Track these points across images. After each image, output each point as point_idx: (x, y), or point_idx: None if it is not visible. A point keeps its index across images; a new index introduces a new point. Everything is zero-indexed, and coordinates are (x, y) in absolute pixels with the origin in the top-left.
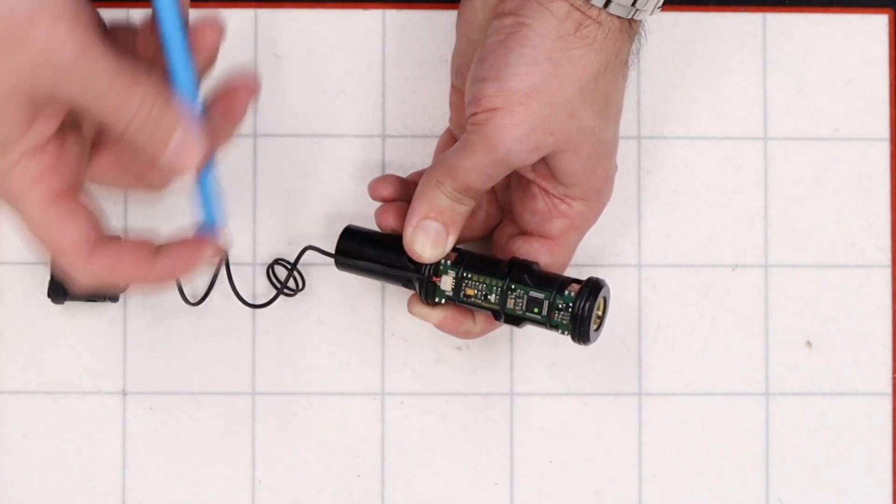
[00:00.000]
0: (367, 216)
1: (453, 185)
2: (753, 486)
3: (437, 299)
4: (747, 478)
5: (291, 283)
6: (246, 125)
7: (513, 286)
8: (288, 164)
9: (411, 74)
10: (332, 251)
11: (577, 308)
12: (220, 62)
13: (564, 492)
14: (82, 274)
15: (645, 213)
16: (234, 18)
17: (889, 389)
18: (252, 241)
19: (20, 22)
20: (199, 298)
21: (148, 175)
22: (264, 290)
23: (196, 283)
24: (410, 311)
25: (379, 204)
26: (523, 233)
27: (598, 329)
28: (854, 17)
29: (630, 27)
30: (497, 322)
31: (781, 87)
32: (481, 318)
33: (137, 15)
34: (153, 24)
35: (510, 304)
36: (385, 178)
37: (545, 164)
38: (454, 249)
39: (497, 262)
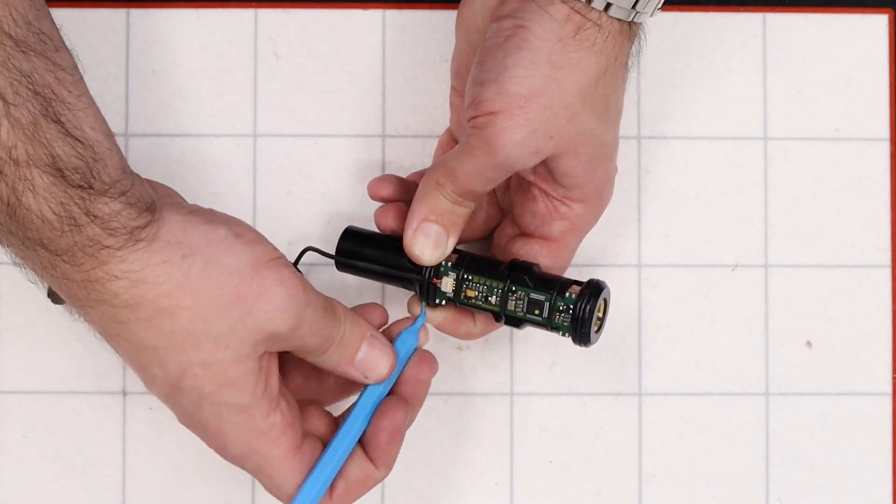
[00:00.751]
0: (366, 216)
1: (453, 188)
2: (753, 486)
3: (437, 301)
4: (747, 478)
5: None
6: (246, 125)
7: (513, 288)
8: (288, 164)
9: (411, 74)
10: (333, 252)
11: (577, 310)
12: (219, 62)
13: (564, 492)
14: None
15: (645, 213)
16: (234, 18)
17: (889, 389)
18: None
19: (249, 275)
20: None
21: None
22: None
23: None
24: (410, 313)
25: (379, 204)
26: (523, 234)
27: (598, 331)
28: (854, 17)
29: (630, 30)
30: (497, 323)
31: (781, 87)
32: (481, 319)
33: (137, 14)
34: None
35: (511, 305)
36: (384, 178)
37: (545, 166)
38: (455, 251)
39: (497, 263)
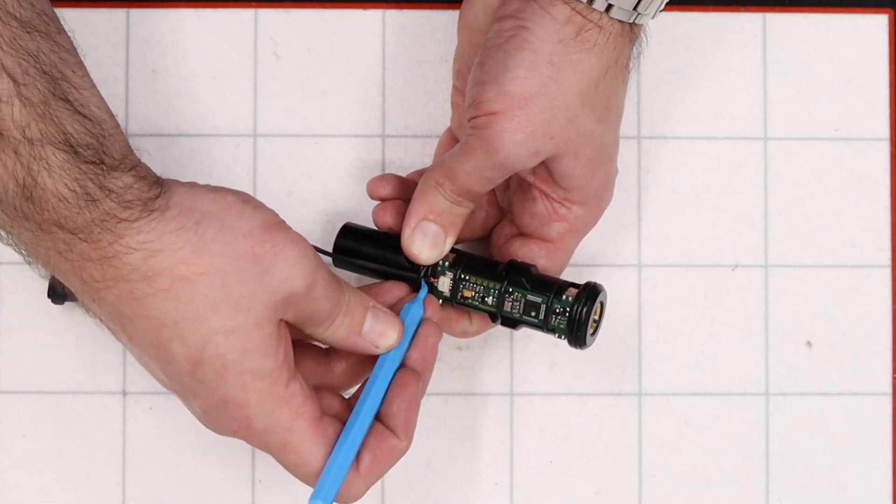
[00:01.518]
0: (366, 216)
1: (452, 188)
2: (753, 486)
3: None
4: (747, 478)
5: None
6: (246, 125)
7: (510, 289)
8: (288, 164)
9: (411, 74)
10: (330, 249)
11: (574, 312)
12: (219, 62)
13: (564, 492)
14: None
15: (645, 213)
16: (234, 18)
17: (889, 389)
18: None
19: (262, 237)
20: None
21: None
22: None
23: None
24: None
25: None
26: (522, 234)
27: (594, 333)
28: (854, 17)
29: (632, 31)
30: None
31: (781, 87)
32: (478, 318)
33: (137, 14)
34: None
35: (507, 306)
36: (384, 178)
37: (545, 168)
38: (452, 250)
39: (495, 264)
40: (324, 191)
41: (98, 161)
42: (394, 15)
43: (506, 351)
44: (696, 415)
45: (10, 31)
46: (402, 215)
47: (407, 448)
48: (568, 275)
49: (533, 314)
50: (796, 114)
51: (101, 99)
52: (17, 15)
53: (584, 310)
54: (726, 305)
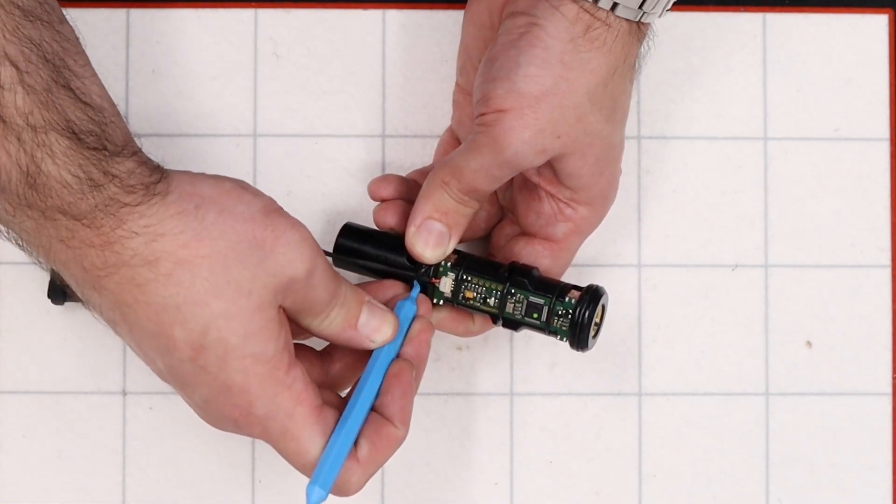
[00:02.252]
0: (367, 216)
1: (458, 186)
2: (753, 486)
3: (435, 301)
4: (747, 478)
5: None
6: (246, 125)
7: (512, 290)
8: (288, 164)
9: (411, 74)
10: (331, 248)
11: (576, 315)
12: (219, 62)
13: (564, 492)
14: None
15: (645, 213)
16: (234, 18)
17: (889, 389)
18: None
19: (263, 221)
20: None
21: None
22: None
23: None
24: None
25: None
26: (525, 234)
27: (595, 336)
28: (854, 17)
29: (639, 30)
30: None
31: (781, 87)
32: (480, 317)
33: (137, 14)
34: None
35: (509, 308)
36: (385, 178)
37: (552, 168)
38: (454, 251)
39: (497, 265)
40: (324, 191)
41: (101, 147)
42: (394, 15)
43: (506, 351)
44: (696, 415)
45: (13, 19)
46: (403, 216)
47: (404, 437)
48: (568, 275)
49: (535, 316)
50: (796, 114)
51: (103, 87)
52: (20, 4)
53: (587, 312)
54: (726, 305)
